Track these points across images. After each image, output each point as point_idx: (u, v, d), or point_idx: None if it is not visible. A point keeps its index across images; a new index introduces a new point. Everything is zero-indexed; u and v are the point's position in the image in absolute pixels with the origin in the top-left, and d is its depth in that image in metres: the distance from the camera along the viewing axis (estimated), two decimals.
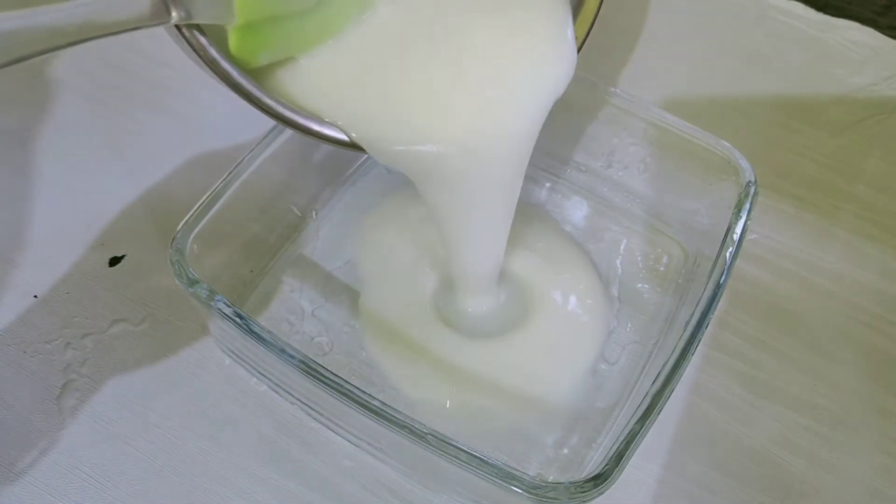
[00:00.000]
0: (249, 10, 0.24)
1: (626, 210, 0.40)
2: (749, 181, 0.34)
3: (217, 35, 0.24)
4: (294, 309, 0.36)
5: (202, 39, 0.23)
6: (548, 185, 0.41)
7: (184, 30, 0.22)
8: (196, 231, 0.31)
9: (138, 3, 0.19)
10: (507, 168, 0.29)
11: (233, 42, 0.24)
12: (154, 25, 0.20)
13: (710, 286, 0.31)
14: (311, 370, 0.27)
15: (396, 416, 0.26)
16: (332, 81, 0.27)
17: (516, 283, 0.36)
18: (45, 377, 0.34)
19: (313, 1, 0.25)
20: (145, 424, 0.33)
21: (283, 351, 0.28)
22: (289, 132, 0.35)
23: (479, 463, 0.25)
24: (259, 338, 0.28)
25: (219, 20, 0.23)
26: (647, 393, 0.28)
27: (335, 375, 0.27)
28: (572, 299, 0.36)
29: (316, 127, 0.27)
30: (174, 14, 0.21)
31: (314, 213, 0.39)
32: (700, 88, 0.47)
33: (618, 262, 0.38)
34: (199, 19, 0.22)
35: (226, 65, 0.24)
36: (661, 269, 0.37)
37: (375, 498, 0.31)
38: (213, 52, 0.24)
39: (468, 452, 0.26)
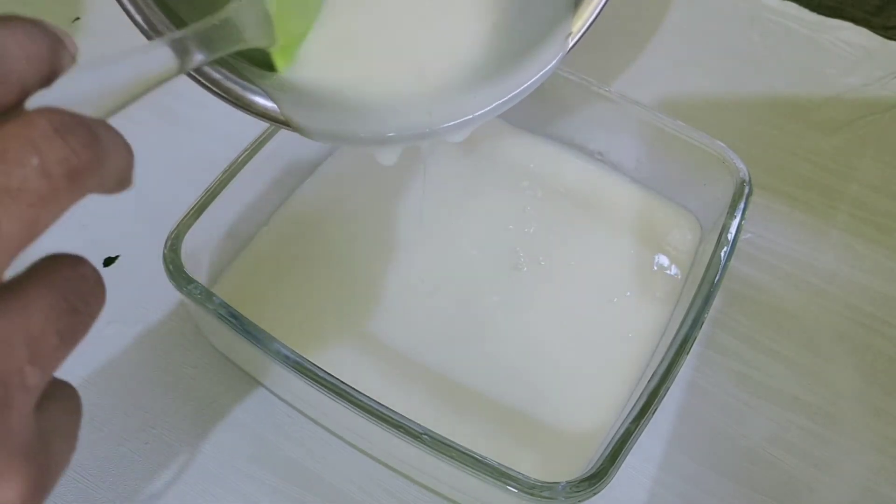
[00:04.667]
0: (291, 34, 0.26)
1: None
2: (743, 180, 0.34)
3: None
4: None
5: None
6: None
7: None
8: (191, 231, 0.31)
9: (161, 59, 0.18)
10: None
11: (278, 60, 0.26)
12: (183, 72, 0.20)
13: (705, 286, 0.31)
14: (307, 370, 0.27)
15: (392, 415, 0.26)
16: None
17: None
18: None
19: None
20: (140, 425, 0.33)
21: (278, 351, 0.28)
22: (284, 133, 0.35)
23: (474, 462, 0.25)
24: (254, 338, 0.28)
25: (258, 44, 0.24)
26: (642, 392, 0.28)
27: (331, 376, 0.27)
28: None
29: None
30: (198, 56, 0.20)
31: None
32: (694, 88, 0.47)
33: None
34: (234, 49, 0.22)
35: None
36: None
37: (371, 498, 0.31)
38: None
39: (464, 452, 0.26)
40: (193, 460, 0.32)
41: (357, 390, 0.27)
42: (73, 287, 0.15)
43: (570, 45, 0.28)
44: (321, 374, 0.27)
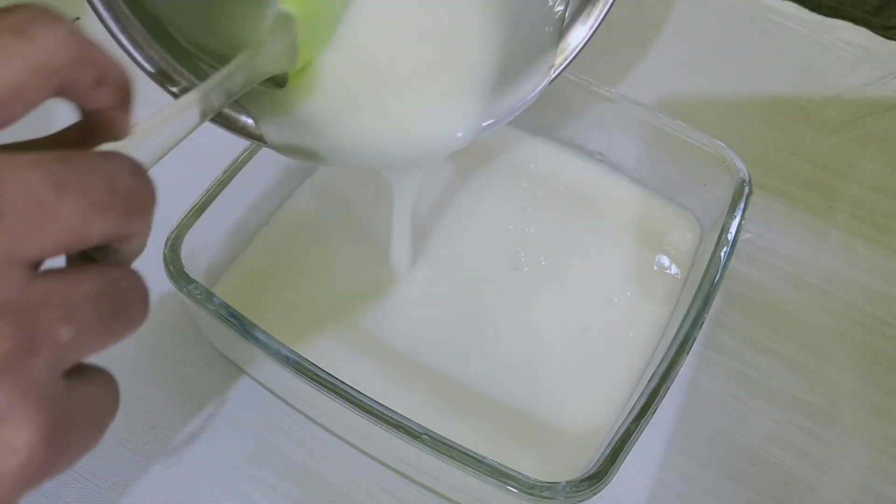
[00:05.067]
0: (310, 56, 0.27)
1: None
2: (743, 180, 0.34)
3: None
4: None
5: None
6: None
7: None
8: (191, 231, 0.31)
9: (188, 117, 0.20)
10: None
11: (293, 80, 0.27)
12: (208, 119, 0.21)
13: (705, 286, 0.31)
14: (307, 371, 0.27)
15: (392, 415, 0.26)
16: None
17: None
18: None
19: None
20: (140, 425, 0.33)
21: (278, 352, 0.28)
22: None
23: (474, 462, 0.25)
24: (254, 338, 0.28)
25: (282, 70, 0.26)
26: (642, 392, 0.28)
27: (331, 376, 0.27)
28: None
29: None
30: (216, 102, 0.21)
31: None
32: (694, 88, 0.47)
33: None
34: (257, 82, 0.23)
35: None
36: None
37: (371, 498, 0.31)
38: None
39: (464, 452, 0.26)
40: (193, 460, 0.32)
41: (357, 390, 0.27)
42: (123, 288, 0.17)
43: (553, 76, 0.30)
44: (321, 374, 0.27)
